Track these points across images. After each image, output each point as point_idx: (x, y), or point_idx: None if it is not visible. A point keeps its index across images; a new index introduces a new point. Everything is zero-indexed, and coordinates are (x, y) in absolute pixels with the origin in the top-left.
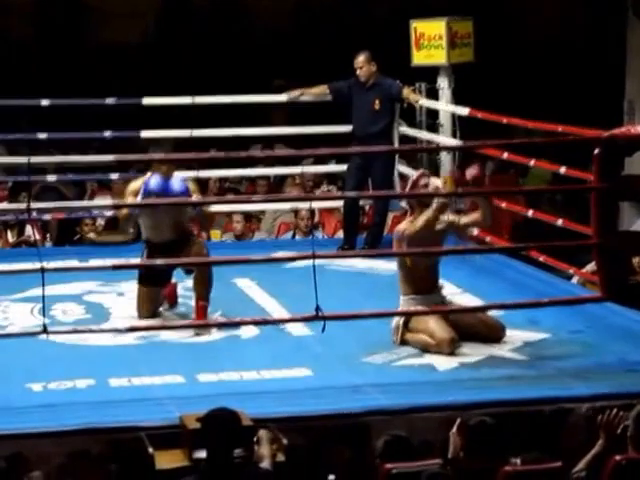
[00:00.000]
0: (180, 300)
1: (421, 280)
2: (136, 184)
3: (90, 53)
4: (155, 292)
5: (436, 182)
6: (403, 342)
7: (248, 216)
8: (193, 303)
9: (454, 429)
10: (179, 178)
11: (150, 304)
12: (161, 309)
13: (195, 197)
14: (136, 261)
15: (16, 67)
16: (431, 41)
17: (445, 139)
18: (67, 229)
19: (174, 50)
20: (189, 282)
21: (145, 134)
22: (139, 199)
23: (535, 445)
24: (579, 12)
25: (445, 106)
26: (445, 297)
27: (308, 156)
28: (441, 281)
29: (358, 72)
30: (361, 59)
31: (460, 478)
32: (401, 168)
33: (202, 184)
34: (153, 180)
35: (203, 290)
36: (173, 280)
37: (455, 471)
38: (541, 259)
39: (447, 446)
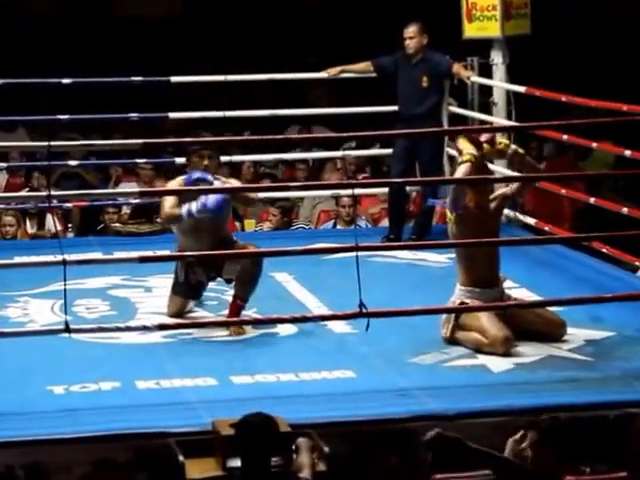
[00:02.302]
0: (213, 295)
1: (482, 269)
2: (174, 183)
3: (115, 28)
4: (187, 303)
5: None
6: (454, 341)
7: (285, 210)
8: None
9: (517, 436)
10: (222, 179)
11: (179, 311)
12: (191, 304)
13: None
14: (165, 253)
15: (37, 44)
16: (484, 12)
17: (499, 119)
18: (90, 218)
19: (203, 25)
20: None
21: (174, 116)
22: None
23: (598, 453)
24: None
25: (499, 83)
26: (504, 292)
27: (350, 139)
28: (502, 273)
29: (407, 43)
30: (413, 29)
31: None
32: (451, 151)
33: (236, 169)
34: (195, 177)
35: (243, 290)
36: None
37: None
38: (604, 250)
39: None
